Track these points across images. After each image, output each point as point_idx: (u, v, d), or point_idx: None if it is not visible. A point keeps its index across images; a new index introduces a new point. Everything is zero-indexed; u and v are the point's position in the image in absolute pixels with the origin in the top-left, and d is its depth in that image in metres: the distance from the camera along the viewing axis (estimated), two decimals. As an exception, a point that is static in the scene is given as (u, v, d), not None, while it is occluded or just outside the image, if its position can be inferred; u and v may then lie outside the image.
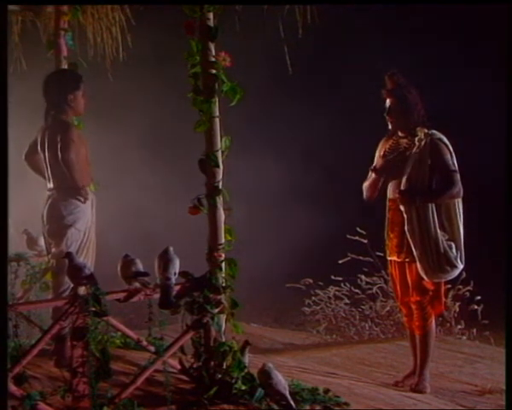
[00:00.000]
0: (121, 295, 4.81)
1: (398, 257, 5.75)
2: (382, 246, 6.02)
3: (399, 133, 5.77)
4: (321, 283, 8.85)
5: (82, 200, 5.54)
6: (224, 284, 4.97)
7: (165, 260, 4.84)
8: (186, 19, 4.93)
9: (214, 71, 4.92)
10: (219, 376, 4.91)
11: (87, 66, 6.05)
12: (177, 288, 4.85)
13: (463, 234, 5.67)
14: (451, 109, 10.85)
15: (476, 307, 8.41)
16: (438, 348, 6.48)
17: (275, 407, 4.70)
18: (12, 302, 4.87)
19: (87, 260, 5.45)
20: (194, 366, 5.03)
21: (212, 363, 4.94)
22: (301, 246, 11.15)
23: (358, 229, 8.38)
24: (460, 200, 5.66)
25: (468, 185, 5.71)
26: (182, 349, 5.01)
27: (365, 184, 5.87)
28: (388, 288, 8.19)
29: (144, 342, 5.05)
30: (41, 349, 4.69)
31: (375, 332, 8.46)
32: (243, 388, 4.85)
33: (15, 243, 6.10)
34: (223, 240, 5.00)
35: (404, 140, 5.73)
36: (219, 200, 4.98)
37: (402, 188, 5.65)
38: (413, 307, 5.72)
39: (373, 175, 5.81)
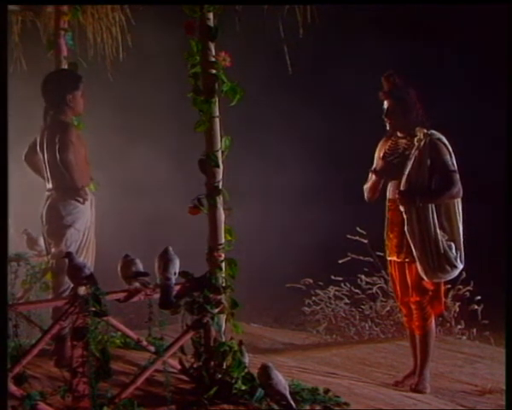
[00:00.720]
0: (121, 295, 4.81)
1: (397, 257, 5.75)
2: (382, 246, 6.02)
3: (398, 134, 5.77)
4: (321, 283, 8.84)
5: (81, 200, 5.54)
6: (223, 284, 4.97)
7: (165, 260, 4.84)
8: (186, 19, 4.94)
9: (214, 71, 4.92)
10: (219, 376, 4.91)
11: (87, 66, 6.05)
12: (177, 288, 4.85)
13: (463, 234, 5.67)
14: (451, 109, 10.86)
15: (476, 307, 8.40)
16: (438, 348, 6.48)
17: (275, 407, 4.70)
18: (12, 302, 4.87)
19: (87, 260, 5.45)
20: (195, 366, 5.03)
21: (212, 363, 4.94)
22: (301, 246, 11.15)
23: (358, 229, 8.38)
24: (459, 200, 5.66)
25: (468, 185, 5.71)
26: (182, 349, 5.01)
27: (366, 186, 5.87)
28: (388, 288, 8.18)
29: (144, 342, 5.05)
30: (41, 349, 4.69)
31: (375, 332, 8.46)
32: (243, 388, 4.85)
33: (15, 243, 6.11)
34: (223, 240, 5.00)
35: (404, 141, 5.73)
36: (219, 200, 4.98)
37: (401, 188, 5.65)
38: (413, 307, 5.72)
39: (373, 177, 5.82)
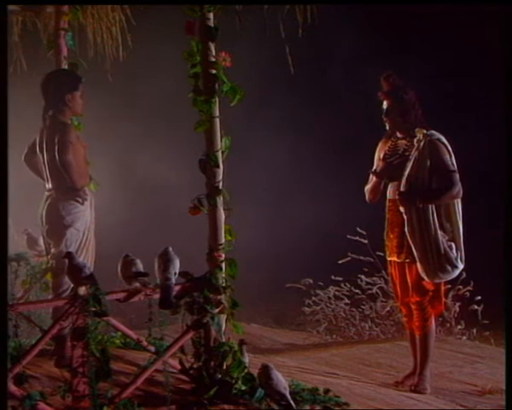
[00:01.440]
0: (121, 295, 4.81)
1: (397, 258, 5.75)
2: (382, 246, 6.03)
3: (398, 135, 5.78)
4: (321, 283, 8.85)
5: (80, 201, 5.54)
6: (223, 284, 4.97)
7: (165, 260, 4.84)
8: (186, 19, 4.94)
9: (214, 71, 4.92)
10: (219, 376, 4.91)
11: (87, 66, 6.05)
12: (177, 288, 4.85)
13: (463, 234, 5.67)
14: (451, 109, 10.86)
15: (476, 307, 8.41)
16: (438, 348, 6.49)
17: (275, 407, 4.70)
18: (12, 302, 4.87)
19: (86, 260, 5.45)
20: (195, 366, 5.03)
21: (212, 363, 4.94)
22: (301, 246, 11.16)
23: (358, 229, 8.38)
24: (459, 200, 5.66)
25: (468, 185, 5.71)
26: (182, 349, 5.01)
27: (367, 188, 5.88)
28: (388, 288, 8.19)
29: (144, 342, 5.05)
30: (41, 349, 4.69)
31: (375, 332, 8.47)
32: (243, 388, 4.85)
33: (15, 243, 6.11)
34: (223, 240, 5.00)
35: (403, 141, 5.73)
36: (219, 200, 4.97)
37: (402, 189, 5.65)
38: (413, 307, 5.72)
39: (374, 178, 5.82)
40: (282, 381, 4.73)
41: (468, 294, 8.32)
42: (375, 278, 8.52)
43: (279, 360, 6.33)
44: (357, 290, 8.62)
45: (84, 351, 4.53)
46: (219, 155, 4.96)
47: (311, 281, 8.84)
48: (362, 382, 5.92)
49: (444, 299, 5.91)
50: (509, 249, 4.59)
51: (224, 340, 4.96)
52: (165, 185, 10.44)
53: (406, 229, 5.62)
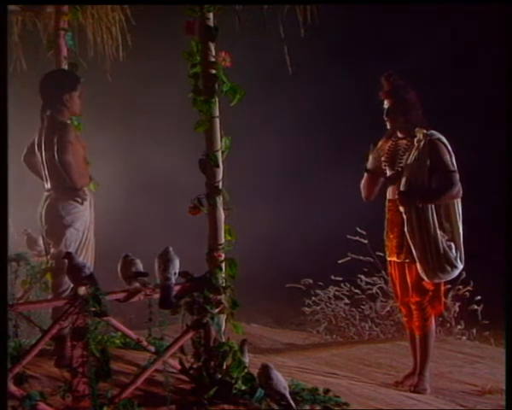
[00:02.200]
0: (121, 295, 4.81)
1: (397, 258, 5.75)
2: (382, 246, 6.02)
3: (399, 134, 5.78)
4: (321, 283, 8.85)
5: (80, 201, 5.54)
6: (223, 284, 4.97)
7: (165, 260, 4.84)
8: (186, 19, 4.94)
9: (214, 71, 4.92)
10: (219, 376, 4.91)
11: (87, 66, 6.05)
12: (177, 288, 4.85)
13: (463, 234, 5.67)
14: (451, 109, 10.86)
15: (476, 307, 8.41)
16: (438, 348, 6.49)
17: (275, 407, 4.70)
18: (12, 302, 4.87)
19: (86, 260, 5.44)
20: (194, 366, 5.03)
21: (212, 363, 4.94)
22: (301, 246, 11.16)
23: (358, 229, 8.38)
24: (459, 200, 5.66)
25: (468, 185, 5.71)
26: (182, 349, 5.01)
27: (361, 184, 5.91)
28: (388, 288, 8.19)
29: (144, 342, 5.05)
30: (41, 349, 4.69)
31: (375, 332, 8.46)
32: (243, 388, 4.85)
33: (15, 243, 6.10)
34: (223, 240, 5.00)
35: (404, 141, 5.73)
36: (219, 200, 4.97)
37: (401, 189, 5.65)
38: (413, 307, 5.72)
39: (366, 174, 5.84)
40: (281, 381, 4.73)
41: (467, 294, 8.31)
42: (374, 278, 8.52)
43: (279, 360, 6.33)
44: (357, 290, 8.62)
45: (83, 351, 4.53)
46: (219, 155, 4.96)
47: (311, 281, 8.84)
48: (362, 382, 5.91)
49: (443, 299, 5.91)
50: (509, 249, 4.59)
51: (223, 340, 4.96)
52: (166, 185, 10.44)
53: (406, 229, 5.62)
